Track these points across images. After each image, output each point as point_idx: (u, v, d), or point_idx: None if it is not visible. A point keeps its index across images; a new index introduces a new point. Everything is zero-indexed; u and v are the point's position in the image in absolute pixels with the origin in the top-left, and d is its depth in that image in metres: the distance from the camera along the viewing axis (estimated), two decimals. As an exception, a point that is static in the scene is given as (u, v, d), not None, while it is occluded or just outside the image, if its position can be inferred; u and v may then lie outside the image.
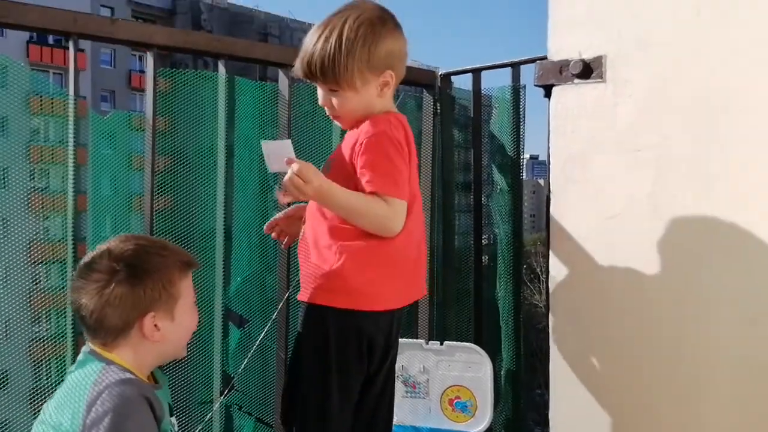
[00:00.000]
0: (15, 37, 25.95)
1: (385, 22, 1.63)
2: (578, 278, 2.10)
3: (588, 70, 2.04)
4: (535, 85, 2.21)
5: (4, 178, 1.93)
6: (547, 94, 2.17)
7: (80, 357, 1.47)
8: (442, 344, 2.40)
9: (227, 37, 2.25)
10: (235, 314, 2.45)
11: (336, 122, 1.74)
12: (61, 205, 1.93)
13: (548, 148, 2.18)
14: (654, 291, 1.96)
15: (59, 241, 1.95)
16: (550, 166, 2.17)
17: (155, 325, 1.46)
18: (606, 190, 2.03)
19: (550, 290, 2.16)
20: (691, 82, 1.90)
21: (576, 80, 2.07)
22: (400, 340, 2.38)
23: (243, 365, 2.30)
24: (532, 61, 2.25)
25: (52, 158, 2.01)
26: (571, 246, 2.11)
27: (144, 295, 1.44)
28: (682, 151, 1.91)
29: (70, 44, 1.91)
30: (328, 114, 1.69)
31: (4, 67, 1.90)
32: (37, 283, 2.02)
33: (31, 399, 1.96)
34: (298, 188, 1.49)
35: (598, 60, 2.03)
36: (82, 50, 29.79)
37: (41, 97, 1.94)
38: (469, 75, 2.69)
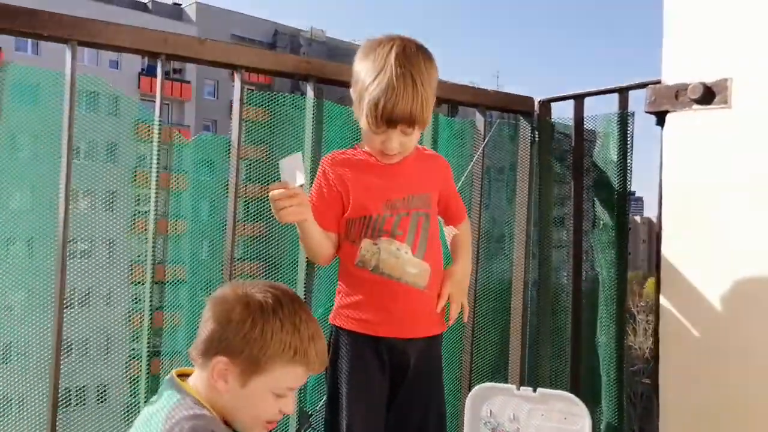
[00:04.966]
0: (128, 69, 28.29)
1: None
2: (694, 332, 1.90)
3: (710, 95, 1.86)
4: (646, 112, 2.08)
5: (111, 202, 2.01)
6: (660, 122, 2.04)
7: (162, 384, 1.45)
8: (535, 391, 2.21)
9: (316, 59, 2.20)
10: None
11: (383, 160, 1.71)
12: (163, 228, 2.00)
13: (660, 182, 2.03)
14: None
15: (159, 263, 2.01)
16: (662, 202, 2.01)
17: (225, 371, 1.36)
18: (732, 235, 1.83)
19: (660, 343, 1.96)
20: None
21: (695, 106, 1.90)
22: (490, 384, 2.23)
23: (321, 402, 2.20)
24: (644, 86, 2.11)
25: (157, 183, 2.08)
26: (686, 295, 1.91)
27: (229, 336, 1.36)
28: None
29: (158, 64, 1.93)
30: (387, 154, 1.67)
31: (116, 98, 2.04)
32: (137, 303, 2.08)
33: (126, 415, 2.01)
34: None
35: (722, 83, 1.84)
36: (188, 82, 31.66)
37: (149, 125, 2.01)
38: (570, 102, 2.53)
